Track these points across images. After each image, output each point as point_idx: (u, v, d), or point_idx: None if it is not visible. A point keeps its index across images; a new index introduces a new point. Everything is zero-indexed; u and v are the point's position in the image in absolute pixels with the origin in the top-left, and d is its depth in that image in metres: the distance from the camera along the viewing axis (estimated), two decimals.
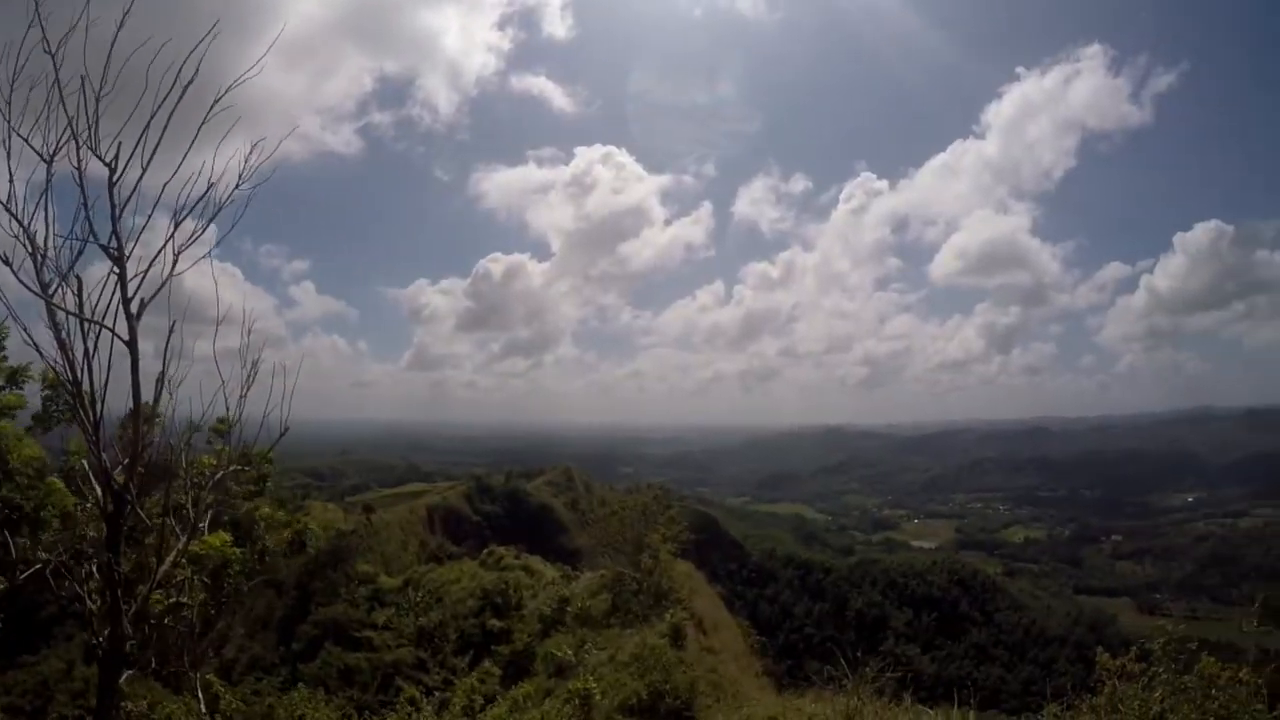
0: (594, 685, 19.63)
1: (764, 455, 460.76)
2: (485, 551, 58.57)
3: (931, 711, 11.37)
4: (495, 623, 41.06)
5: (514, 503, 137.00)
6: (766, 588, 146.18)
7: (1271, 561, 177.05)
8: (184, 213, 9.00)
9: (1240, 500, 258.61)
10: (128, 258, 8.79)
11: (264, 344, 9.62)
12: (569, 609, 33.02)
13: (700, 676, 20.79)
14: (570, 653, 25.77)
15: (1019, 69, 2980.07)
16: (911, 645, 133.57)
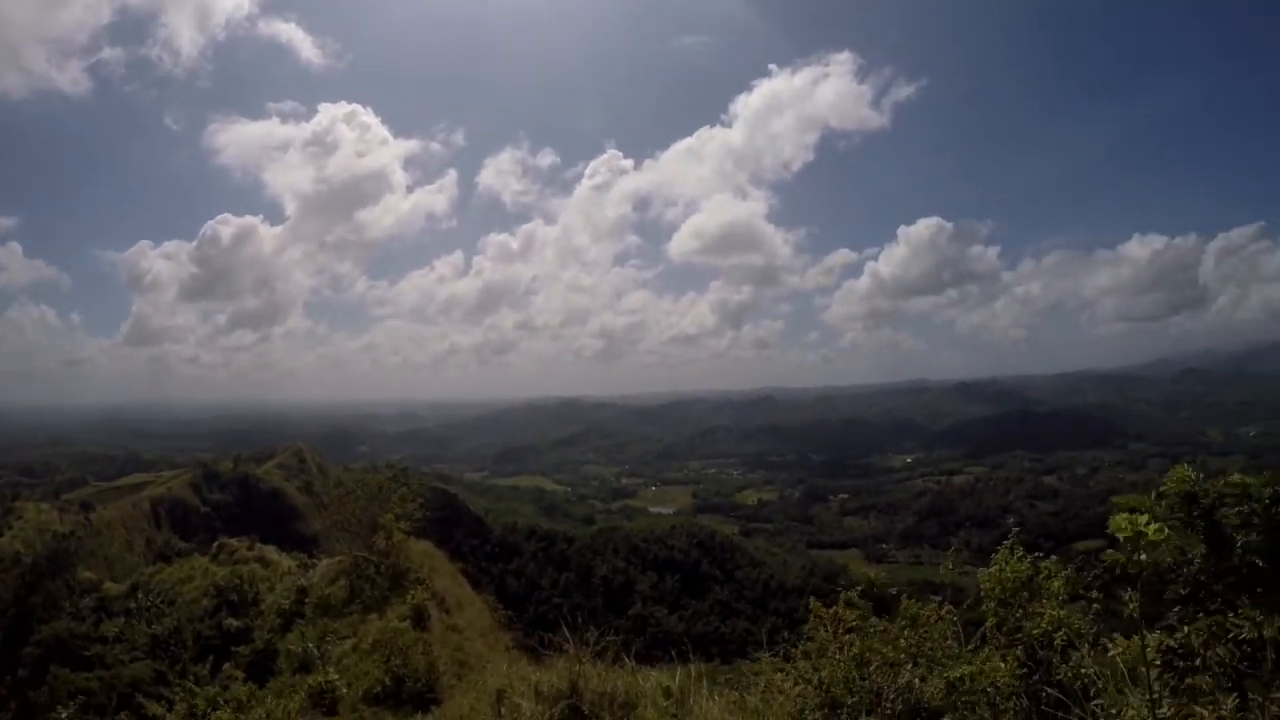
0: (336, 678, 19.10)
1: (501, 429, 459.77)
2: (216, 545, 55.41)
3: (653, 669, 10.79)
4: (233, 622, 39.09)
5: (245, 490, 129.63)
6: (511, 562, 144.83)
7: (982, 511, 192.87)
8: None
9: (954, 460, 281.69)
10: None
11: None
12: (308, 599, 32.19)
13: (443, 656, 20.39)
14: (313, 646, 24.04)
15: (772, 66, 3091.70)
16: (659, 607, 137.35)
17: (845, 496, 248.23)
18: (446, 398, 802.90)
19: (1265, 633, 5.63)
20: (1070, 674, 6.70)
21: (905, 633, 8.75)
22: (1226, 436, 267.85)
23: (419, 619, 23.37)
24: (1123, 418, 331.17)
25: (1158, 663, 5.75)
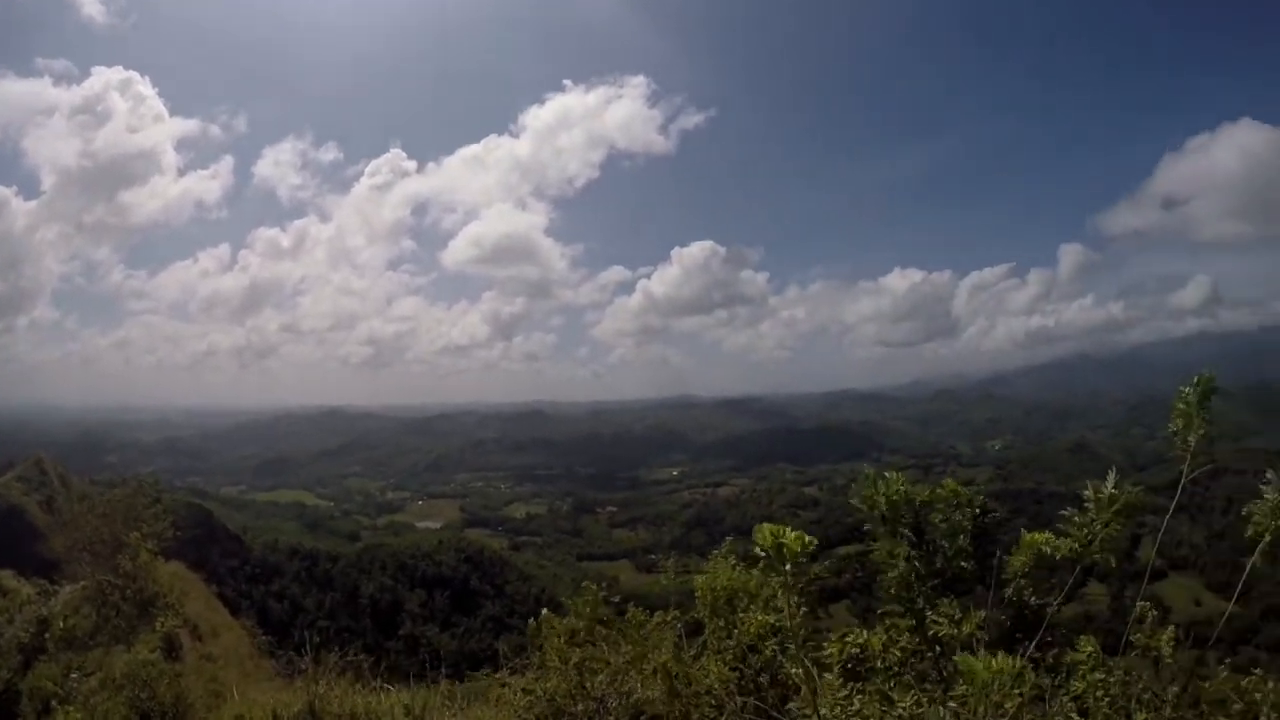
0: (79, 718, 16.75)
1: (261, 439, 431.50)
2: None
3: (395, 688, 11.35)
4: None
5: None
6: (273, 583, 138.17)
7: (746, 521, 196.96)
8: None
9: (719, 472, 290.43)
10: None
11: None
12: (49, 632, 27.34)
13: (195, 688, 18.96)
14: (57, 685, 21.09)
15: (566, 81, 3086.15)
16: (430, 625, 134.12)
17: (614, 509, 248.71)
18: (204, 404, 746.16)
19: (965, 628, 6.34)
20: (772, 677, 7.22)
21: (631, 640, 8.90)
22: (975, 450, 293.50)
23: (170, 649, 21.91)
24: (880, 433, 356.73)
25: (845, 663, 6.49)
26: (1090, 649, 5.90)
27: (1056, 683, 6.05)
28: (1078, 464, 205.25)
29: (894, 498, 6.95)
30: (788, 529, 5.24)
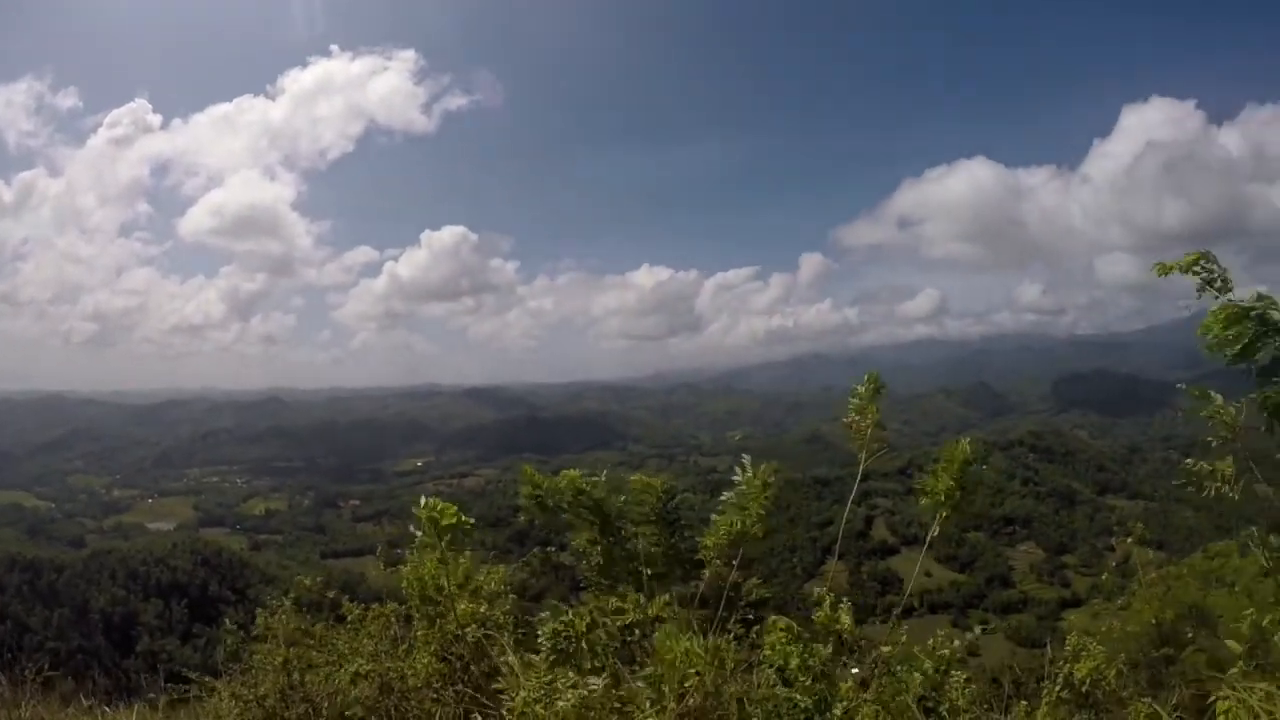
0: None
1: None
2: None
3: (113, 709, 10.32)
4: None
5: None
6: None
7: (493, 512, 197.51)
8: None
9: (464, 464, 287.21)
10: None
11: None
12: None
13: None
14: None
15: (334, 46, 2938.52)
16: (169, 638, 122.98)
17: (357, 503, 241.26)
18: None
19: (651, 611, 6.50)
20: (487, 666, 7.16)
21: (348, 636, 8.73)
22: (715, 440, 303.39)
23: None
24: (624, 423, 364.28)
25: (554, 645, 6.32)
26: (783, 624, 5.72)
27: (755, 658, 6.12)
28: (812, 453, 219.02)
29: (575, 489, 7.22)
30: (447, 505, 5.74)
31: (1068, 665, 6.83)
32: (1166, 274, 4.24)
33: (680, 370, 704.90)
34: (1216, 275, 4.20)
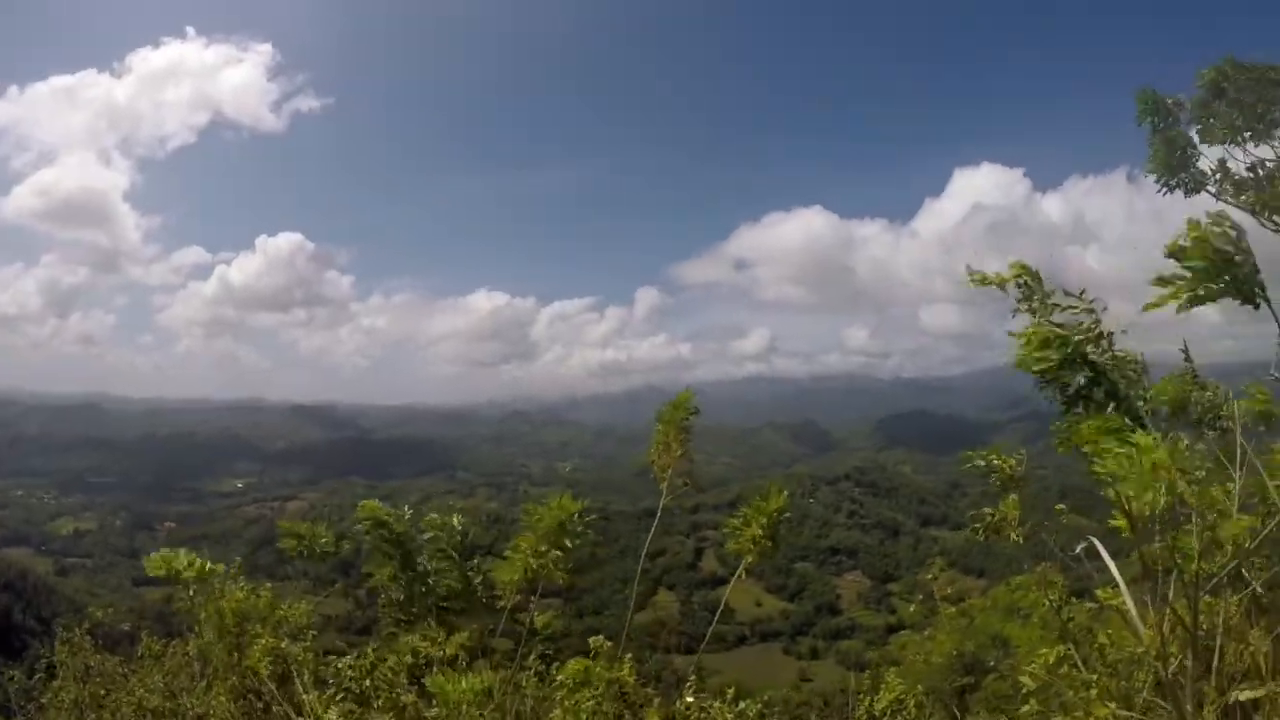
0: None
1: None
2: None
3: None
4: None
5: None
6: None
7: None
8: None
9: (288, 485, 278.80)
10: None
11: None
12: None
13: None
14: None
15: (190, 28, 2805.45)
16: None
17: (173, 525, 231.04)
18: None
19: (449, 649, 6.43)
20: (290, 705, 6.98)
21: (144, 672, 8.58)
22: (545, 470, 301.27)
23: None
24: (455, 449, 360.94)
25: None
26: (580, 665, 5.81)
27: (545, 694, 6.26)
28: (643, 486, 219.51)
29: (375, 520, 7.18)
30: (192, 556, 5.53)
31: (867, 698, 7.20)
32: (984, 285, 4.24)
33: (513, 398, 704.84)
34: (1036, 293, 4.26)
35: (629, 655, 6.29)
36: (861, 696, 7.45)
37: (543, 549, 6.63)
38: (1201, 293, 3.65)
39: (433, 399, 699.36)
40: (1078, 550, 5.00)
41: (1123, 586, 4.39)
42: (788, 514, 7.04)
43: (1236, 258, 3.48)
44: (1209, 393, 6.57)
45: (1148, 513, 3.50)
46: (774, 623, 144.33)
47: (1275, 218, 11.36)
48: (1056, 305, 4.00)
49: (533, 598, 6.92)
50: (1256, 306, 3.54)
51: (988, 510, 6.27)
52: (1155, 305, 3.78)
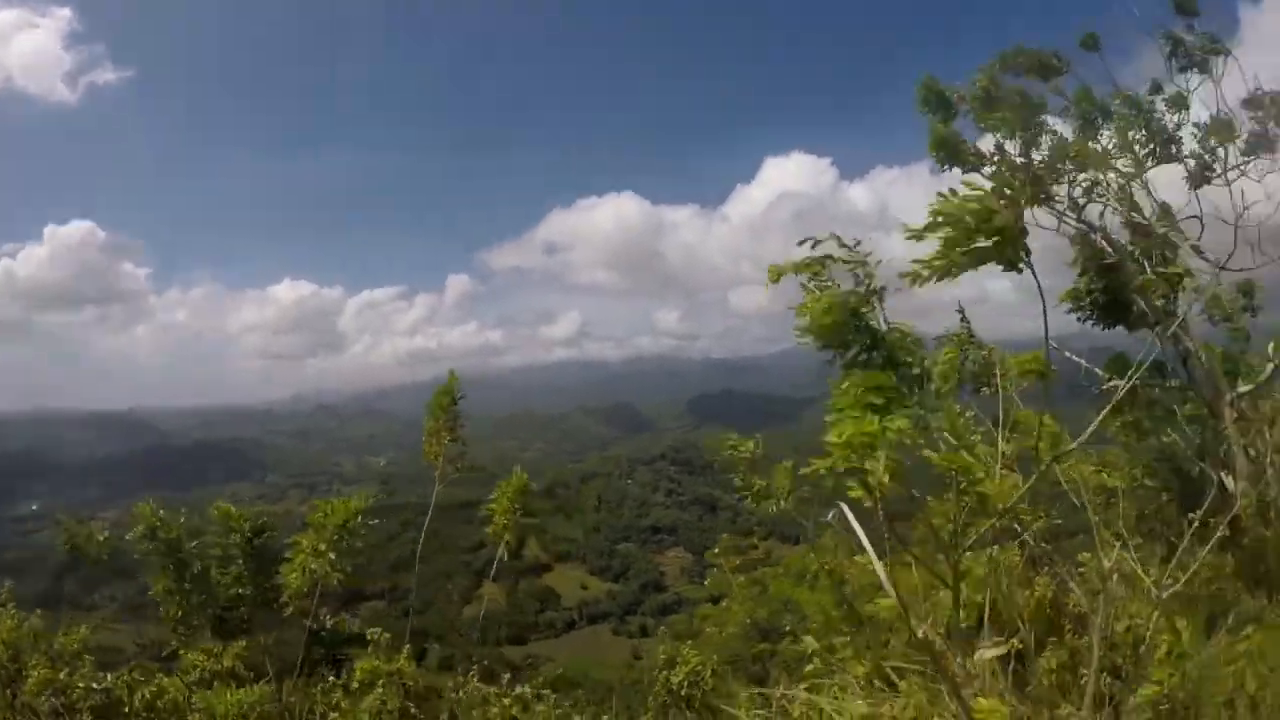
0: None
1: None
2: None
3: None
4: None
5: None
6: None
7: (125, 562, 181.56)
8: None
9: (87, 504, 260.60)
10: None
11: None
12: None
13: None
14: None
15: None
16: None
17: None
18: None
19: (225, 661, 6.30)
20: None
21: None
22: (358, 466, 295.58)
23: None
24: (262, 450, 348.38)
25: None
26: (372, 664, 5.71)
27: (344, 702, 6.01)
28: (459, 476, 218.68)
29: (148, 528, 6.77)
30: None
31: (663, 673, 7.29)
32: (778, 278, 4.08)
33: (318, 391, 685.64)
34: (829, 280, 4.09)
35: (407, 647, 6.13)
36: (658, 672, 7.53)
37: (322, 548, 6.41)
38: (956, 262, 3.62)
39: (237, 397, 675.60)
40: (829, 517, 5.06)
41: (870, 551, 4.48)
42: (533, 489, 7.58)
43: (996, 222, 3.47)
44: (984, 352, 6.86)
45: (887, 480, 3.38)
46: (602, 604, 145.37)
47: (1050, 205, 12.13)
48: (829, 257, 3.91)
49: (330, 602, 6.91)
50: (1020, 271, 3.56)
51: (756, 479, 6.58)
52: (914, 276, 3.70)
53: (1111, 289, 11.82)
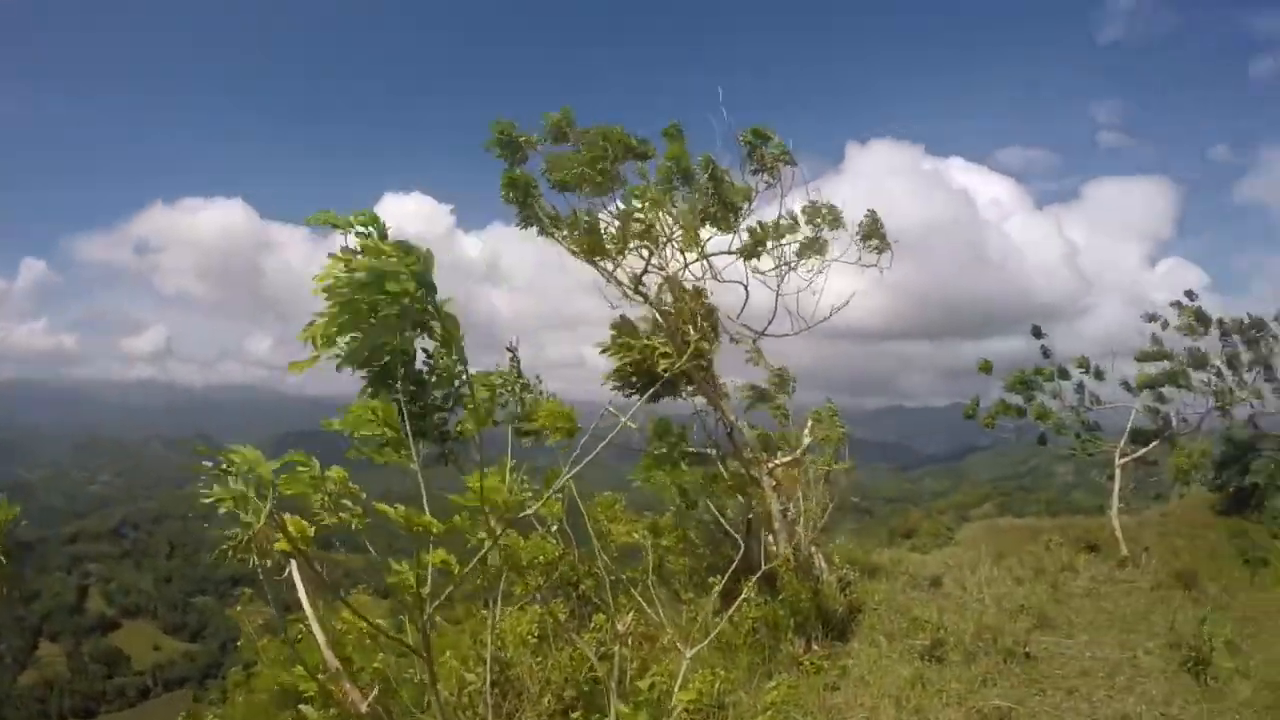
0: None
1: None
2: None
3: None
4: None
5: None
6: None
7: None
8: None
9: None
10: None
11: None
12: None
13: None
14: None
15: None
16: None
17: None
18: None
19: None
20: None
21: None
22: None
23: None
24: None
25: None
26: None
27: None
28: (24, 508, 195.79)
29: None
30: None
31: None
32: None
33: None
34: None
35: None
36: None
37: None
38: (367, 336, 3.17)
39: None
40: (287, 573, 4.77)
41: (308, 608, 4.38)
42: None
43: (395, 287, 2.99)
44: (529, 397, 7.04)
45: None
46: (178, 667, 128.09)
47: (598, 260, 12.88)
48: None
49: None
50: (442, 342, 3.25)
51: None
52: (302, 366, 3.28)
53: (645, 370, 12.84)
